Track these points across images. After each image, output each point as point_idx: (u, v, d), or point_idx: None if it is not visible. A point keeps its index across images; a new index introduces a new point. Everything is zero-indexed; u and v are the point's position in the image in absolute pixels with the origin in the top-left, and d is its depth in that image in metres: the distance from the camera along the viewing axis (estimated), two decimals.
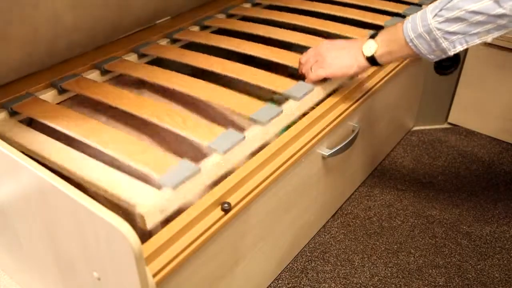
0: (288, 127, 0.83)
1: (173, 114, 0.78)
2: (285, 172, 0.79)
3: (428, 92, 1.29)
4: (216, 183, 0.70)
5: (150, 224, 0.61)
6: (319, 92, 0.87)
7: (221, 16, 1.21)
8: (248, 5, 1.27)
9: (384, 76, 1.02)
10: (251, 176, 0.74)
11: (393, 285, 0.93)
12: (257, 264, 0.85)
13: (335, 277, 0.94)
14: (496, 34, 0.72)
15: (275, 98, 1.34)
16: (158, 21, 1.15)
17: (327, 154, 0.89)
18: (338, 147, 0.91)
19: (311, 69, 0.87)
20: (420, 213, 1.09)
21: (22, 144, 0.74)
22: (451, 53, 0.75)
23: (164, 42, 1.08)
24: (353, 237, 1.03)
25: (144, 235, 0.60)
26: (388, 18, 1.11)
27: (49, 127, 0.78)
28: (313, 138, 0.84)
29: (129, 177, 0.65)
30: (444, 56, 0.77)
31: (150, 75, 0.91)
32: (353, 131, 0.97)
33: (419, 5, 1.16)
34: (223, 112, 0.95)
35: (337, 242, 1.01)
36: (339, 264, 0.97)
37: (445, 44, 0.74)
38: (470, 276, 0.95)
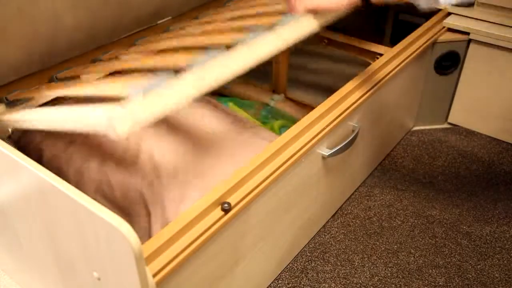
0: (288, 126, 0.83)
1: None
2: (285, 172, 0.79)
3: (428, 92, 1.29)
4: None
5: (121, 128, 0.60)
6: (307, 22, 0.87)
7: None
8: None
9: (384, 76, 1.02)
10: (251, 176, 0.74)
11: (393, 285, 0.93)
12: (257, 264, 0.85)
13: (335, 277, 0.94)
14: None
15: (275, 98, 1.34)
16: (159, 21, 1.15)
17: (327, 154, 0.89)
18: (338, 147, 0.91)
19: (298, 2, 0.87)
20: (420, 213, 1.09)
21: None
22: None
23: None
24: (353, 237, 1.03)
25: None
26: None
27: None
28: (313, 138, 0.84)
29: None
30: (434, 5, 0.76)
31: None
32: (353, 131, 0.97)
33: None
34: None
35: (337, 242, 1.01)
36: (339, 264, 0.97)
37: None
38: (470, 276, 0.95)
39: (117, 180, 0.82)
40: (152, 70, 0.72)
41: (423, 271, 0.96)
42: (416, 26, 1.20)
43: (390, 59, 1.06)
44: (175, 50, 0.87)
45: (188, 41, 0.90)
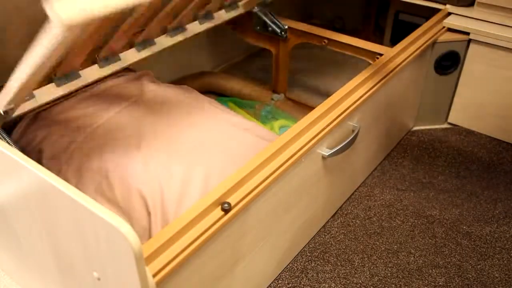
0: (288, 126, 0.83)
1: None
2: (285, 172, 0.79)
3: (428, 92, 1.29)
4: None
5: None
6: None
7: None
8: None
9: (384, 76, 1.02)
10: (251, 176, 0.74)
11: (393, 285, 0.93)
12: (257, 264, 0.85)
13: (335, 277, 0.94)
14: None
15: (275, 98, 1.34)
16: None
17: (327, 154, 0.89)
18: (338, 147, 0.91)
19: None
20: (420, 213, 1.09)
21: None
22: None
23: None
24: (353, 237, 1.03)
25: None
26: None
27: None
28: (313, 138, 0.84)
29: None
30: None
31: None
32: (353, 131, 0.97)
33: None
34: None
35: (337, 242, 1.01)
36: (339, 264, 0.97)
37: None
38: (470, 276, 0.95)
39: (117, 180, 0.83)
40: None
41: (423, 271, 0.96)
42: (416, 26, 1.20)
43: (390, 59, 1.06)
44: None
45: None
